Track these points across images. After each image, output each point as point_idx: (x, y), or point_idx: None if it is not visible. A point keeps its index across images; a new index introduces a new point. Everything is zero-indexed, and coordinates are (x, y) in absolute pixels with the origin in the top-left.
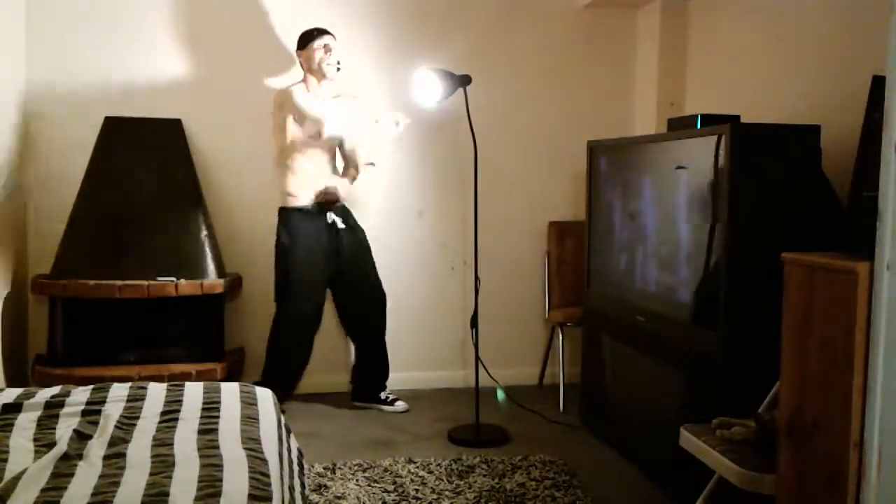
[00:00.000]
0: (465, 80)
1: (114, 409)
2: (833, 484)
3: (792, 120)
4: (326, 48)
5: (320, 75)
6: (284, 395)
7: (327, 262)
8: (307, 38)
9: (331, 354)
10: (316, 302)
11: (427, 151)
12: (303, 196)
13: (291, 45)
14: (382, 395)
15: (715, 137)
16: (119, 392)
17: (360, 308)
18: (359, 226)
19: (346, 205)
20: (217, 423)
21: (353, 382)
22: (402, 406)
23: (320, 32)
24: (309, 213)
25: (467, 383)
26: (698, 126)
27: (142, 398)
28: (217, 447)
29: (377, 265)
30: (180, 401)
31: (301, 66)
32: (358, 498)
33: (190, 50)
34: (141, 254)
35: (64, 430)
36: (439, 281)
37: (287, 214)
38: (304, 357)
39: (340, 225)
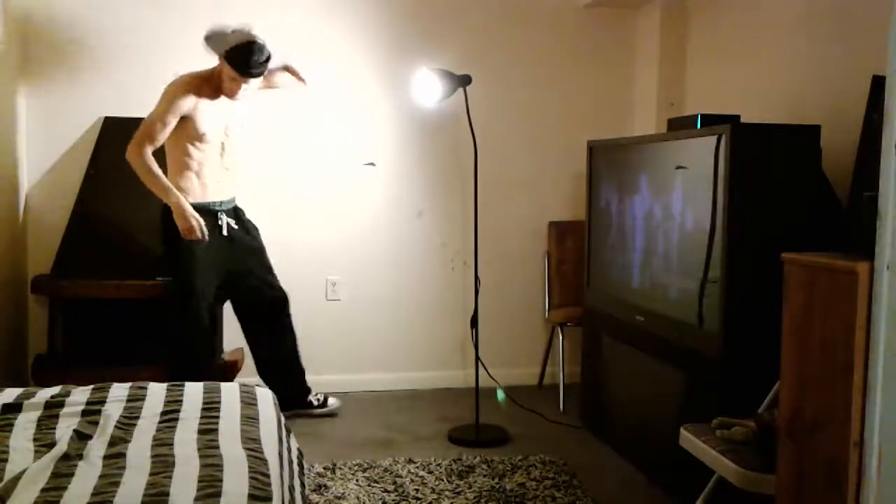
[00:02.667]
0: (465, 80)
1: (114, 409)
2: (833, 484)
3: (792, 120)
4: (243, 87)
5: (221, 93)
6: None
7: (220, 265)
8: (242, 63)
9: (331, 354)
10: (211, 306)
11: (427, 151)
12: (200, 194)
13: (292, 45)
14: (311, 399)
15: (715, 137)
16: (119, 392)
17: (262, 311)
18: (253, 225)
19: (238, 203)
20: (217, 423)
21: (275, 391)
22: (336, 403)
23: (253, 71)
24: (201, 212)
25: (467, 383)
26: (698, 126)
27: (142, 398)
28: (217, 447)
29: (376, 265)
30: (180, 401)
31: (218, 66)
32: (358, 498)
33: (190, 49)
34: (141, 254)
35: (64, 430)
36: (439, 281)
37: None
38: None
39: (234, 226)
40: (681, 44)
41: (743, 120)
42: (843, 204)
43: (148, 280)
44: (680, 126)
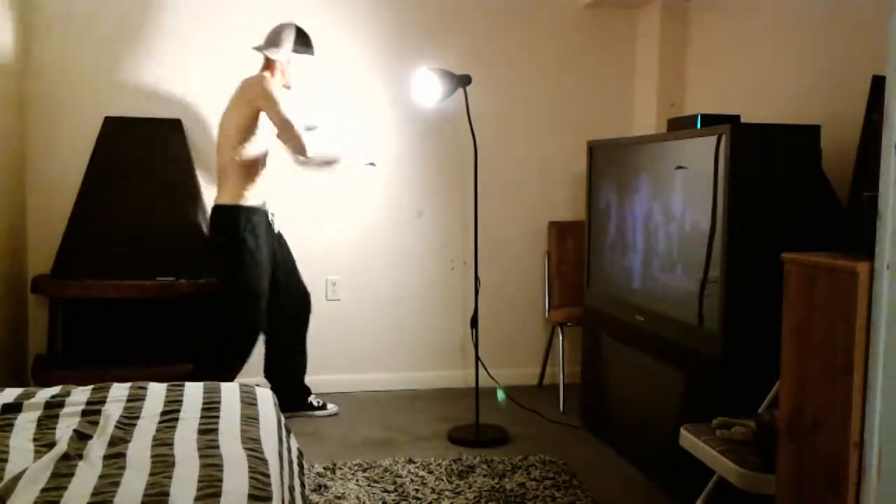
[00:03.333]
0: (465, 80)
1: (114, 409)
2: (833, 484)
3: (792, 120)
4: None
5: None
6: None
7: (270, 262)
8: (305, 41)
9: (333, 354)
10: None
11: (427, 151)
12: (257, 195)
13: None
14: (312, 401)
15: (715, 137)
16: (119, 392)
17: (288, 307)
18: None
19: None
20: (217, 423)
21: (275, 389)
22: (334, 408)
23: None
24: (262, 213)
25: (467, 383)
26: (698, 126)
27: (142, 398)
28: (217, 447)
29: (376, 265)
30: (180, 401)
31: (273, 66)
32: (358, 498)
33: (190, 49)
34: (141, 254)
35: (64, 430)
36: (439, 281)
37: (247, 213)
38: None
39: (276, 227)
40: (681, 44)
41: (743, 120)
42: (843, 204)
43: (148, 280)
44: (680, 126)
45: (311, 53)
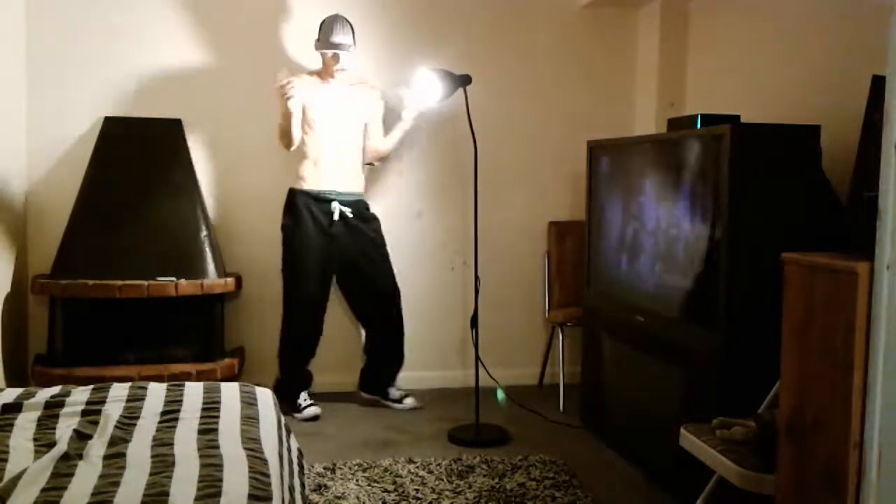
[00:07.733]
0: (465, 80)
1: (114, 409)
2: (833, 484)
3: (792, 120)
4: (337, 65)
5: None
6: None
7: (328, 251)
8: (324, 39)
9: (332, 354)
10: (318, 288)
11: (427, 151)
12: (310, 180)
13: (292, 43)
14: (391, 392)
15: (715, 137)
16: (119, 392)
17: (372, 300)
18: (373, 217)
19: (364, 197)
20: (217, 423)
21: (364, 371)
22: (412, 403)
23: (333, 41)
24: (314, 199)
25: (467, 383)
26: (698, 126)
27: (142, 398)
28: (217, 447)
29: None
30: (180, 401)
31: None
32: (358, 498)
33: (190, 49)
34: (141, 254)
35: (64, 430)
36: (439, 281)
37: (292, 196)
38: (310, 344)
39: (349, 215)
40: (681, 44)
41: (743, 120)
42: (843, 204)
43: (148, 280)
44: (680, 126)
45: (328, 48)
